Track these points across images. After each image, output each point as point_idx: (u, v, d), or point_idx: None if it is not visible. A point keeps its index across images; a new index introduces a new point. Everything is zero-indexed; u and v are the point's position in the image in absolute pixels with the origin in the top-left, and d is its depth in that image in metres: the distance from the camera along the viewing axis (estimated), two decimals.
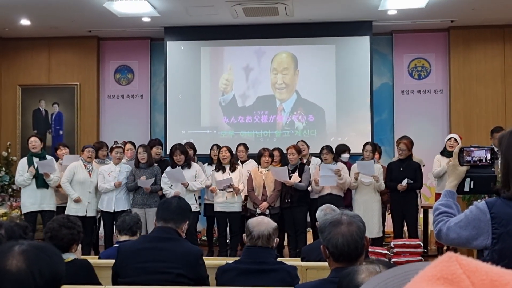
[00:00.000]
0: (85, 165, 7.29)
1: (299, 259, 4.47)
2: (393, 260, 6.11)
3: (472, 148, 2.29)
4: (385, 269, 1.55)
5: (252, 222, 3.11)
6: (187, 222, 3.30)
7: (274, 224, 3.14)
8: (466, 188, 2.28)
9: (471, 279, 0.54)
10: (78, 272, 2.98)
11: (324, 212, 4.07)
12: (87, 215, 7.12)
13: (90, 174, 7.27)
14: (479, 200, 2.22)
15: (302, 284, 2.37)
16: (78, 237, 3.16)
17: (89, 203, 7.21)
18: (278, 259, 3.30)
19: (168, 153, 8.97)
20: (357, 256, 2.18)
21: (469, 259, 0.56)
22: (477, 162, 2.27)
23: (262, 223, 3.07)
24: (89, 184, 7.23)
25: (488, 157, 2.28)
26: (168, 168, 7.25)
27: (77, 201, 7.08)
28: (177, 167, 7.19)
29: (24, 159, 7.39)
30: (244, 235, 3.15)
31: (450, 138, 7.65)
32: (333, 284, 2.12)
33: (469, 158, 2.27)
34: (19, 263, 1.34)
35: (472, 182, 2.27)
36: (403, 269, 0.69)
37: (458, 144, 7.54)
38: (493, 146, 2.34)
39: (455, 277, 0.54)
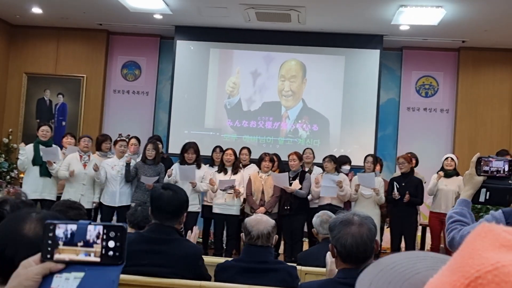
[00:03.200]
0: (80, 156, 7.22)
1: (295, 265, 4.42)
2: None
3: (490, 158, 2.25)
4: None
5: (250, 221, 3.03)
6: (185, 214, 3.17)
7: (273, 222, 3.08)
8: (481, 199, 2.23)
9: None
10: None
11: (321, 219, 4.04)
12: None
13: (84, 166, 7.18)
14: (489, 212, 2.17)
15: (307, 283, 2.32)
16: (85, 219, 3.11)
17: (83, 195, 7.06)
18: (277, 259, 3.25)
19: (169, 151, 8.97)
20: (365, 258, 2.13)
21: (503, 226, 0.55)
22: (495, 173, 2.23)
23: (261, 222, 3.01)
24: (83, 176, 7.11)
25: (506, 168, 2.23)
26: (176, 167, 7.21)
27: (71, 175, 7.00)
28: (189, 165, 7.14)
29: (30, 146, 7.34)
30: (242, 234, 3.09)
31: (447, 158, 7.61)
32: (340, 284, 2.07)
33: (486, 168, 2.23)
34: (37, 228, 1.29)
35: (488, 193, 2.22)
36: (413, 254, 0.70)
37: (455, 163, 7.51)
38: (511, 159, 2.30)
39: None
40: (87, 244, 0.97)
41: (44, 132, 7.33)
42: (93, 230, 0.97)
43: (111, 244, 0.96)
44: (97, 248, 0.97)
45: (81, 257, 0.97)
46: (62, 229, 0.98)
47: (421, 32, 8.86)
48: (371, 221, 2.17)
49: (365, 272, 0.71)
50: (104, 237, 0.97)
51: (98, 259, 0.96)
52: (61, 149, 7.65)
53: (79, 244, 0.97)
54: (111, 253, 0.96)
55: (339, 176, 7.29)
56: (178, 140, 9.18)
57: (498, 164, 2.25)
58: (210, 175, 7.40)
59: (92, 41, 9.97)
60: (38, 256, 1.00)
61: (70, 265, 0.98)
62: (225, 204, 7.24)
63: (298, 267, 3.69)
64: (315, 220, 4.16)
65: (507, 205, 2.15)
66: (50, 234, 0.98)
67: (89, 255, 0.97)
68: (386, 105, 9.72)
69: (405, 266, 0.66)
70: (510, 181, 2.23)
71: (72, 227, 0.98)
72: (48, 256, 0.98)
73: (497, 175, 2.24)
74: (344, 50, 9.44)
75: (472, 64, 9.49)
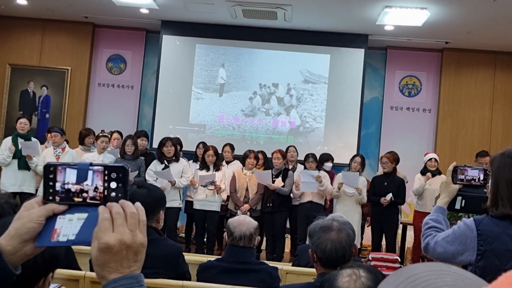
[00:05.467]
0: (54, 150, 7.20)
1: (276, 263, 4.48)
2: None
3: (466, 167, 2.33)
4: (365, 273, 1.56)
5: (233, 222, 3.09)
6: (162, 211, 3.19)
7: (255, 223, 3.13)
8: (457, 206, 2.31)
9: None
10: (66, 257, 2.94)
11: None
12: None
13: (57, 159, 7.12)
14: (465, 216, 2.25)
15: (287, 285, 2.38)
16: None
17: None
18: (259, 260, 3.30)
19: (153, 146, 8.97)
20: (344, 263, 2.19)
21: None
22: (470, 181, 2.31)
23: (243, 223, 3.06)
24: None
25: (481, 177, 2.31)
26: (155, 164, 7.22)
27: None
28: (166, 167, 7.15)
29: (9, 139, 7.30)
30: (225, 234, 3.14)
31: (430, 159, 7.70)
32: None
33: (462, 177, 2.31)
34: None
35: (463, 201, 2.30)
36: (436, 267, 0.69)
37: (438, 164, 7.62)
38: (486, 168, 2.38)
39: None
40: (89, 185, 0.97)
41: (22, 124, 7.29)
42: (94, 172, 0.97)
43: (113, 185, 0.96)
44: (99, 189, 0.97)
45: (84, 198, 0.97)
46: (63, 172, 0.97)
47: (406, 32, 8.95)
48: (350, 227, 2.24)
49: (386, 281, 0.71)
50: (106, 178, 0.97)
51: (100, 200, 0.97)
52: (43, 143, 7.63)
53: (81, 186, 0.97)
54: (113, 194, 0.96)
55: (319, 172, 7.35)
56: (162, 135, 9.12)
57: (474, 173, 2.32)
58: (192, 171, 7.43)
59: (77, 33, 9.92)
60: (40, 198, 0.98)
61: (73, 207, 0.97)
62: (205, 200, 7.26)
63: (280, 267, 3.75)
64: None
65: (482, 213, 2.22)
66: (51, 176, 0.97)
67: (92, 197, 0.97)
68: (370, 104, 9.82)
69: (426, 280, 0.66)
70: (485, 190, 2.31)
71: (73, 169, 0.98)
72: (51, 198, 0.97)
73: (473, 183, 2.32)
74: (330, 49, 9.51)
75: (455, 65, 9.62)
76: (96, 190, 0.97)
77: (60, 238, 0.95)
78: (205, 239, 7.54)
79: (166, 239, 3.22)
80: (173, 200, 7.15)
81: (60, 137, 7.22)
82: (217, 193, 7.27)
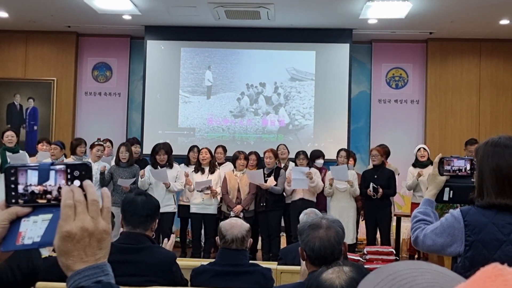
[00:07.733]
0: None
1: (272, 263, 4.48)
2: (365, 266, 6.13)
3: (452, 158, 2.33)
4: (349, 267, 1.57)
5: (225, 225, 3.09)
6: (157, 220, 3.18)
7: (247, 226, 3.13)
8: (445, 198, 2.31)
9: None
10: (52, 269, 2.92)
11: (308, 216, 4.07)
12: None
13: None
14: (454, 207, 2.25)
15: (279, 286, 2.38)
16: None
17: None
18: (251, 262, 3.30)
19: (143, 152, 8.94)
20: (333, 260, 2.19)
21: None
22: (457, 172, 2.31)
23: (235, 226, 3.06)
24: None
25: (468, 167, 2.31)
26: (149, 167, 7.22)
27: None
28: (161, 167, 7.15)
29: None
30: (217, 237, 3.13)
31: (419, 149, 7.72)
32: None
33: (448, 168, 2.31)
34: None
35: (451, 192, 2.30)
36: (416, 264, 0.70)
37: (427, 153, 7.64)
38: (472, 157, 2.38)
39: None
40: (52, 185, 0.95)
41: (9, 137, 7.24)
42: (56, 171, 0.95)
43: (77, 183, 0.94)
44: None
45: (48, 199, 0.95)
46: (24, 173, 0.95)
47: (389, 25, 8.97)
48: (339, 224, 2.23)
49: (367, 279, 0.71)
50: (69, 176, 0.95)
51: None
52: (34, 155, 7.60)
53: (44, 186, 0.95)
54: None
55: (310, 169, 7.35)
56: (152, 140, 9.14)
57: (460, 163, 2.33)
58: (186, 174, 7.40)
59: (61, 43, 9.86)
60: (2, 201, 0.96)
61: (37, 208, 0.95)
62: (202, 204, 7.28)
63: (274, 266, 3.75)
64: (302, 217, 4.20)
65: (470, 203, 2.22)
66: (12, 179, 0.95)
67: (55, 197, 0.95)
68: (358, 98, 9.83)
69: (406, 278, 0.66)
70: (472, 180, 2.31)
71: (34, 170, 0.95)
72: (13, 200, 0.95)
73: (459, 174, 2.32)
74: (315, 45, 9.51)
75: (440, 55, 9.65)
76: (60, 190, 0.95)
77: (25, 241, 0.93)
78: (202, 243, 7.53)
79: (159, 247, 3.21)
80: (168, 205, 7.14)
81: (59, 150, 7.24)
82: (213, 198, 7.27)
